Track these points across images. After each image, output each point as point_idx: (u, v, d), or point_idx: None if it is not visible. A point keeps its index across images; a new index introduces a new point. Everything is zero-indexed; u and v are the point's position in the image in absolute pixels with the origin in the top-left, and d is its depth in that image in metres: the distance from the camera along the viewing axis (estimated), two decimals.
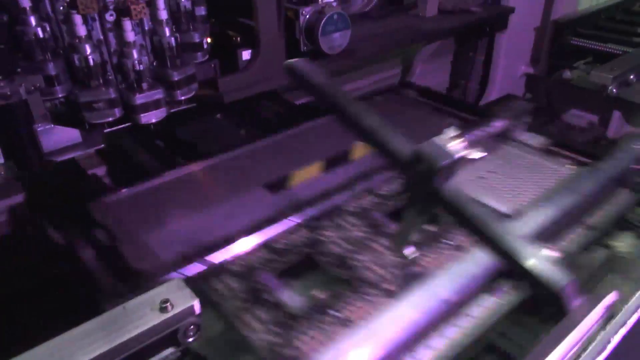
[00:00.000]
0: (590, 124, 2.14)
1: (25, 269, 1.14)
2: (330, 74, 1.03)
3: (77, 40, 1.16)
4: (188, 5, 1.33)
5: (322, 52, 1.53)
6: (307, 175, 1.29)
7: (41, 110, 1.12)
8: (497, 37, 2.40)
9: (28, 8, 1.10)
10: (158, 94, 1.27)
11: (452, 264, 0.91)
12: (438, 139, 0.81)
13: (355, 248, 1.05)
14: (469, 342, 0.82)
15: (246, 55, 1.53)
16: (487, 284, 0.90)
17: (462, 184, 0.91)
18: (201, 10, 1.39)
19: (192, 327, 0.75)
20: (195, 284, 0.81)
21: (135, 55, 1.22)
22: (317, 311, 0.89)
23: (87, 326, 0.70)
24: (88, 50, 1.16)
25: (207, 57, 1.42)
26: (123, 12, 1.18)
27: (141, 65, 1.23)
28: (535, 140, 1.44)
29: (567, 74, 2.26)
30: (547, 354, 0.74)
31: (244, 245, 1.03)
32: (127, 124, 1.37)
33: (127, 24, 1.19)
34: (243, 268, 0.99)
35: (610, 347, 0.80)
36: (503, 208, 1.15)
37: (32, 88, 1.08)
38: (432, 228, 1.09)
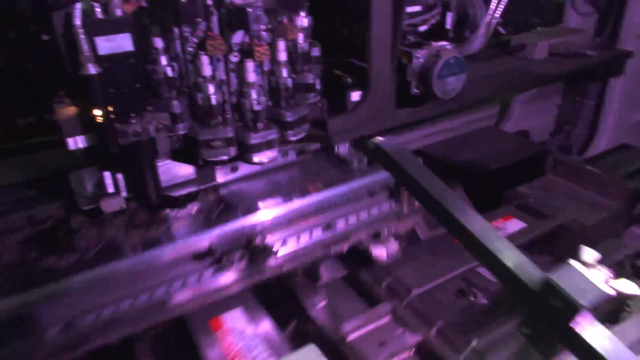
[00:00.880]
0: None
1: None
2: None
3: (202, 80, 1.18)
4: (305, 46, 1.33)
5: (434, 96, 1.48)
6: None
7: (165, 147, 1.14)
8: (611, 82, 2.24)
9: (160, 48, 1.15)
10: (272, 135, 1.26)
11: None
12: (576, 265, 0.67)
13: None
14: None
15: (355, 96, 1.50)
16: None
17: None
18: (316, 51, 1.39)
19: None
20: None
21: (254, 95, 1.22)
22: None
23: None
24: (212, 89, 1.18)
25: (318, 97, 1.41)
26: (247, 53, 1.20)
27: (259, 106, 1.23)
28: None
29: None
30: None
31: None
32: (236, 162, 1.39)
33: (250, 65, 1.20)
34: None
35: None
36: None
37: (161, 126, 1.10)
38: None
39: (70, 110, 1.02)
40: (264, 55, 1.18)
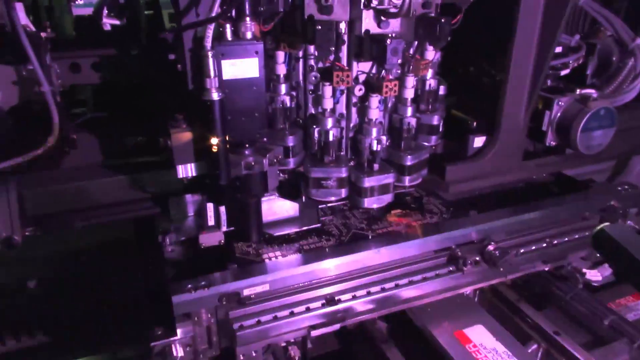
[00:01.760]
0: None
1: None
2: None
3: (321, 112, 1.07)
4: (434, 84, 1.20)
5: (573, 150, 1.28)
6: None
7: (276, 182, 1.04)
8: None
9: (282, 76, 1.06)
10: (388, 179, 1.13)
11: None
12: None
13: None
14: None
15: (478, 142, 1.34)
16: None
17: None
18: (442, 90, 1.25)
19: None
20: None
21: (374, 133, 1.10)
22: None
23: None
24: (330, 124, 1.07)
25: (439, 141, 1.27)
26: (373, 88, 1.08)
27: (379, 145, 1.10)
28: None
29: None
30: None
31: None
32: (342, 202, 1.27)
33: (374, 101, 1.08)
34: None
35: None
36: None
37: (275, 160, 1.00)
38: None
39: (186, 136, 0.95)
40: (392, 91, 1.05)
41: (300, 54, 1.07)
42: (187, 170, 0.98)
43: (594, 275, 1.27)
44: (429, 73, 1.17)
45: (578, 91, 1.28)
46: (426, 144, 1.22)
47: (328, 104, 1.07)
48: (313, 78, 1.08)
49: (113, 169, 1.16)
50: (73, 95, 1.43)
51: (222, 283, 0.96)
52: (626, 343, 1.18)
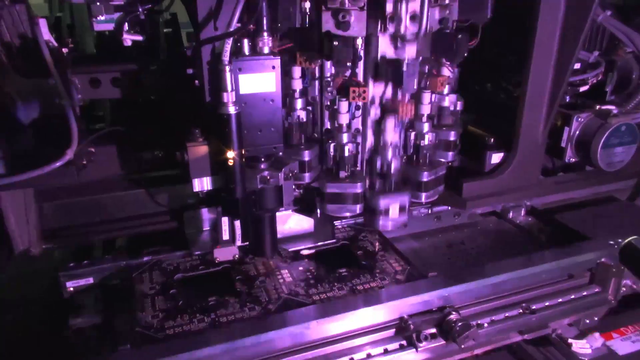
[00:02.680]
0: None
1: None
2: None
3: (337, 128, 1.07)
4: (450, 100, 1.19)
5: (593, 166, 1.26)
6: None
7: (291, 197, 1.03)
8: None
9: (298, 91, 1.06)
10: (404, 198, 1.11)
11: None
12: None
13: None
14: None
15: (496, 158, 1.32)
16: None
17: None
18: (459, 106, 1.24)
19: None
20: None
21: (390, 155, 1.09)
22: None
23: None
24: (345, 139, 1.07)
25: (456, 157, 1.25)
26: (389, 109, 1.07)
27: (393, 164, 1.09)
28: None
29: None
30: None
31: None
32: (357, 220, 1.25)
33: (391, 122, 1.07)
34: None
35: None
36: None
37: (290, 175, 1.00)
38: None
39: (202, 150, 0.95)
40: (408, 114, 1.05)
41: (317, 69, 1.08)
42: (203, 184, 0.98)
43: (582, 347, 1.07)
44: (446, 89, 1.17)
45: (598, 107, 1.26)
46: (443, 160, 1.21)
47: (344, 119, 1.06)
48: (329, 94, 1.08)
49: (130, 183, 1.17)
50: (93, 109, 1.46)
51: None
52: None
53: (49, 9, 1.96)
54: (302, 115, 1.07)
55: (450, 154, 1.21)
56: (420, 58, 0.98)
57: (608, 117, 1.21)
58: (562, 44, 1.19)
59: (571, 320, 1.12)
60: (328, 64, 1.05)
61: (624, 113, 1.25)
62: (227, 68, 0.87)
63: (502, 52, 1.31)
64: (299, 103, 1.06)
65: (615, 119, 1.19)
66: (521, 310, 1.05)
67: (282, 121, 1.00)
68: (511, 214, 1.38)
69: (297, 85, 1.06)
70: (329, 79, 1.06)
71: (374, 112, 1.08)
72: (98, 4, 0.96)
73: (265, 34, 0.91)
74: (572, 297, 1.10)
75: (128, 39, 0.98)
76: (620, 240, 1.16)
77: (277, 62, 0.92)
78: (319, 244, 1.17)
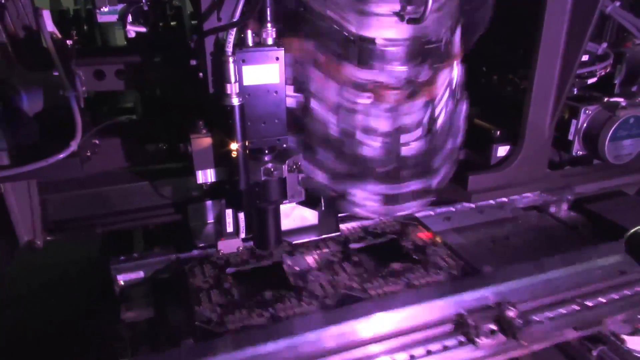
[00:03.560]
0: None
1: None
2: None
3: (353, 127, 1.06)
4: (459, 80, 1.17)
5: (601, 160, 1.25)
6: None
7: (295, 190, 1.03)
8: None
9: (312, 90, 1.05)
10: (417, 184, 1.11)
11: None
12: None
13: None
14: None
15: (502, 151, 1.31)
16: None
17: None
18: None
19: None
20: None
21: (405, 139, 1.08)
22: None
23: None
24: (361, 137, 1.05)
25: (461, 150, 1.24)
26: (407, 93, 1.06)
27: (409, 151, 1.08)
28: None
29: None
30: None
31: None
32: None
33: (407, 107, 1.06)
34: None
35: None
36: None
37: (294, 167, 1.00)
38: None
39: (205, 141, 0.95)
40: (426, 95, 1.03)
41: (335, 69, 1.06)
42: (206, 176, 0.98)
43: (637, 344, 1.02)
44: (455, 69, 1.14)
45: (606, 99, 1.25)
46: (452, 144, 1.19)
47: (360, 118, 1.05)
48: (353, 96, 1.06)
49: (134, 175, 1.17)
50: (104, 102, 1.46)
51: None
52: None
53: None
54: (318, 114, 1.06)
55: (459, 137, 1.19)
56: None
57: (616, 109, 1.19)
58: (570, 35, 1.17)
59: (625, 317, 1.09)
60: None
61: (633, 105, 1.23)
62: (231, 59, 0.86)
63: (509, 43, 1.30)
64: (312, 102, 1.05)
65: (623, 111, 1.18)
66: (577, 307, 1.04)
67: (286, 113, 0.99)
68: (553, 208, 1.36)
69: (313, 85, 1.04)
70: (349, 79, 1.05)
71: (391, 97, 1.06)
72: None
73: (269, 24, 0.90)
74: (626, 292, 1.09)
75: (132, 30, 0.97)
76: None
77: (280, 53, 0.92)
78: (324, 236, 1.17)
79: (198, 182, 0.98)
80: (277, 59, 0.92)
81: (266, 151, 0.99)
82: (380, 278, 1.06)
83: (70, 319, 1.10)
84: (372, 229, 1.27)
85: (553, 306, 1.04)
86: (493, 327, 0.96)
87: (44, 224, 1.10)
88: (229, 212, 1.08)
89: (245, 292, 1.03)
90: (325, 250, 1.17)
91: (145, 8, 0.98)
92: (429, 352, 0.92)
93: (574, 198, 1.41)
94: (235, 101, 0.89)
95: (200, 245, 1.13)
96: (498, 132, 1.29)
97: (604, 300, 1.06)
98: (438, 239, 1.22)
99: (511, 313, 0.95)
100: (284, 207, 1.13)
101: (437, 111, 1.10)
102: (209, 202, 1.18)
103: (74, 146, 0.92)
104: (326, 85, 1.00)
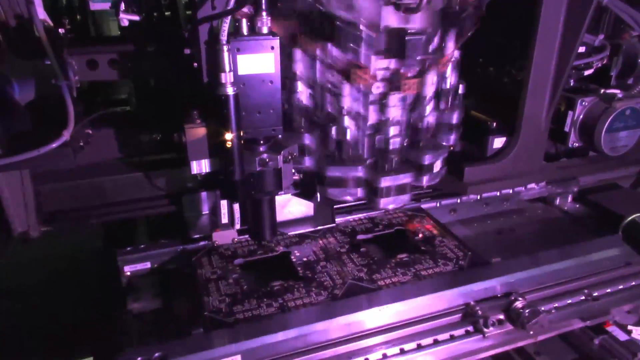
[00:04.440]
0: None
1: None
2: None
3: (338, 111, 1.06)
4: (453, 81, 1.17)
5: (597, 152, 1.25)
6: None
7: (290, 180, 1.02)
8: None
9: (299, 73, 1.05)
10: (406, 178, 1.11)
11: None
12: None
13: None
14: None
15: (498, 143, 1.31)
16: None
17: None
18: (461, 89, 1.22)
19: None
20: None
21: (393, 132, 1.08)
22: None
23: None
24: (347, 122, 1.05)
25: (457, 142, 1.24)
26: (392, 85, 1.06)
27: (397, 144, 1.08)
28: None
29: None
30: None
31: None
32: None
33: (394, 99, 1.06)
34: None
35: None
36: None
37: (289, 157, 0.99)
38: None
39: (200, 131, 0.94)
40: (412, 89, 1.03)
41: (318, 51, 1.06)
42: (201, 166, 0.97)
43: None
44: (449, 70, 1.15)
45: (602, 91, 1.24)
46: (445, 143, 1.19)
47: (346, 102, 1.05)
48: (330, 76, 1.06)
49: (128, 166, 1.16)
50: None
51: (182, 355, 0.81)
52: None
53: None
54: (303, 98, 1.06)
55: (453, 136, 1.20)
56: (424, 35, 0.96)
57: (613, 101, 1.19)
58: (567, 27, 1.17)
59: (630, 307, 1.12)
60: (330, 45, 1.03)
61: (629, 97, 1.23)
62: (225, 48, 0.85)
63: (506, 35, 1.29)
64: (299, 86, 1.05)
65: (620, 103, 1.18)
66: (584, 297, 1.06)
67: (281, 103, 0.98)
68: (558, 200, 1.37)
69: (298, 68, 1.04)
70: (330, 62, 1.04)
71: (376, 89, 1.06)
72: None
73: (264, 13, 0.89)
74: (633, 283, 1.11)
75: (125, 18, 0.96)
76: None
77: (276, 42, 0.91)
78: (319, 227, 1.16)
79: (192, 172, 0.97)
80: (273, 48, 0.91)
81: (261, 141, 0.99)
82: (388, 269, 1.07)
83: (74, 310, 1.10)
84: (379, 220, 1.28)
85: (560, 297, 1.05)
86: (501, 317, 0.97)
87: (38, 215, 1.09)
88: (224, 203, 1.07)
89: (254, 282, 1.03)
90: (333, 241, 1.17)
91: None
92: (436, 342, 0.94)
93: (578, 190, 1.41)
94: (230, 91, 0.88)
95: (196, 237, 1.13)
96: (494, 124, 1.28)
97: (610, 291, 1.08)
98: (445, 231, 1.23)
99: (519, 304, 0.96)
100: (279, 199, 1.13)
101: (427, 109, 1.10)
102: (203, 193, 1.17)
103: (66, 136, 0.91)
104: (310, 69, 1.00)
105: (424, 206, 1.36)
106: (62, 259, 1.40)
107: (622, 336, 1.07)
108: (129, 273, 1.09)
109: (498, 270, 1.03)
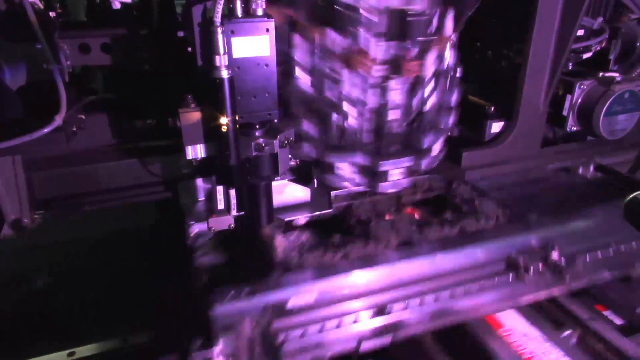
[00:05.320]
0: None
1: None
2: None
3: (337, 97, 1.04)
4: (451, 62, 1.16)
5: (595, 135, 1.24)
6: None
7: (286, 166, 1.01)
8: None
9: (297, 58, 1.03)
10: (405, 162, 1.10)
11: None
12: None
13: None
14: None
15: (496, 127, 1.30)
16: None
17: None
18: (459, 72, 1.21)
19: None
20: None
21: (394, 115, 1.07)
22: None
23: None
24: (346, 108, 1.04)
25: (454, 126, 1.23)
26: (392, 68, 1.04)
27: (398, 128, 1.07)
28: None
29: None
30: None
31: None
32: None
33: (394, 83, 1.04)
34: None
35: None
36: None
37: (286, 142, 0.98)
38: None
39: (195, 116, 0.93)
40: (413, 72, 1.02)
41: (317, 36, 1.04)
42: (196, 151, 0.96)
43: None
44: (447, 51, 1.13)
45: (601, 74, 1.23)
46: (442, 126, 1.18)
47: (345, 87, 1.03)
48: (330, 61, 1.05)
49: (122, 152, 1.14)
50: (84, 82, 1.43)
51: (267, 291, 0.89)
52: None
53: None
54: (302, 84, 1.04)
55: (451, 119, 1.18)
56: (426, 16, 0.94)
57: (611, 84, 1.18)
58: (565, 9, 1.15)
59: None
60: (330, 30, 1.02)
61: (628, 80, 1.22)
62: (219, 30, 0.84)
63: (504, 18, 1.28)
64: (298, 71, 1.03)
65: (618, 86, 1.17)
66: (612, 250, 1.12)
67: (277, 87, 0.97)
68: (581, 170, 1.39)
69: (297, 52, 1.02)
70: (330, 47, 1.03)
71: (377, 72, 1.05)
72: None
73: None
74: None
75: (117, 1, 0.94)
76: None
77: (271, 24, 0.89)
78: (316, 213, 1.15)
79: (187, 157, 0.96)
80: (268, 30, 0.89)
81: (257, 126, 0.97)
82: (437, 226, 1.11)
83: None
84: (420, 184, 1.28)
85: (591, 250, 1.11)
86: (540, 265, 1.05)
87: (30, 202, 1.07)
88: (219, 189, 1.06)
89: (314, 236, 1.08)
90: (381, 202, 1.20)
91: None
92: (481, 289, 1.02)
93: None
94: (225, 74, 0.86)
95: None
96: (492, 108, 1.27)
97: (636, 245, 1.15)
98: (483, 193, 1.24)
99: (555, 255, 1.04)
100: (276, 184, 1.12)
101: (426, 92, 1.09)
102: (199, 180, 1.16)
103: (58, 121, 0.89)
104: (309, 53, 0.98)
105: None
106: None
107: None
108: (196, 231, 1.09)
109: (535, 225, 1.11)
